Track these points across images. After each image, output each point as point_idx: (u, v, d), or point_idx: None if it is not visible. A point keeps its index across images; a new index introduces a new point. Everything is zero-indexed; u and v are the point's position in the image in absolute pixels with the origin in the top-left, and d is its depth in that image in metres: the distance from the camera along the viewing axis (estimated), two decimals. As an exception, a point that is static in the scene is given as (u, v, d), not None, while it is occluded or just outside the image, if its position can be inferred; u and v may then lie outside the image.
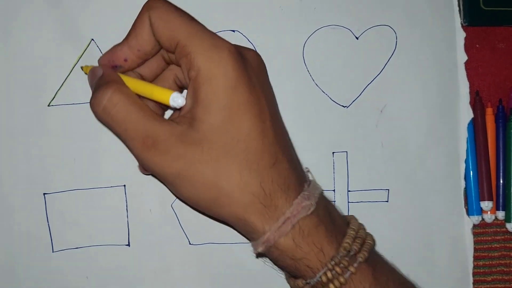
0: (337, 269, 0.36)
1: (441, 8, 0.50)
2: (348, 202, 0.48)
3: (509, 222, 0.49)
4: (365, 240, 0.39)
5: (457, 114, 0.50)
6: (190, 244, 0.47)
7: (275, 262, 0.39)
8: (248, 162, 0.36)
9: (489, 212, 0.49)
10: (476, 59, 0.51)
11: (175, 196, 0.42)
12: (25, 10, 0.47)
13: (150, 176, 0.47)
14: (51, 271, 0.46)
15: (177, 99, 0.37)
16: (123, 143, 0.39)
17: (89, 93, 0.47)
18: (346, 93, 0.49)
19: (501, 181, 0.50)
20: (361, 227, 0.40)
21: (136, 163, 0.47)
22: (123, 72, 0.41)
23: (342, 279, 0.36)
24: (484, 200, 0.49)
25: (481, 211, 0.49)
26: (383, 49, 0.49)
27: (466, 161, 0.49)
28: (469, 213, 0.49)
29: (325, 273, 0.36)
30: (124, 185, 0.47)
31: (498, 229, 0.50)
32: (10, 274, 0.45)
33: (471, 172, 0.49)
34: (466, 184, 0.49)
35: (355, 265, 0.37)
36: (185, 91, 0.38)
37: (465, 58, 0.50)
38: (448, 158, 0.49)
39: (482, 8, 0.51)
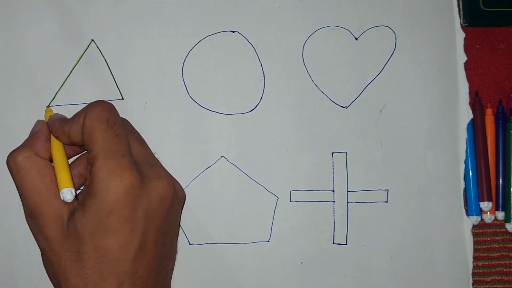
0: None
1: (441, 8, 0.50)
2: (348, 202, 0.48)
3: (509, 222, 0.49)
4: None
5: (456, 115, 0.50)
6: (190, 244, 0.47)
7: None
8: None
9: (488, 212, 0.49)
10: (475, 59, 0.51)
11: None
12: (25, 10, 0.47)
13: (149, 176, 0.47)
14: (51, 271, 0.46)
15: (65, 195, 0.39)
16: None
17: (89, 93, 0.47)
18: (345, 93, 0.49)
19: (501, 182, 0.50)
20: None
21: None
22: None
23: None
24: (483, 200, 0.49)
25: (480, 212, 0.49)
26: (382, 50, 0.49)
27: (466, 162, 0.49)
28: (468, 213, 0.49)
29: None
30: (124, 185, 0.47)
31: (497, 230, 0.50)
32: (10, 274, 0.46)
33: (471, 172, 0.49)
34: (465, 184, 0.49)
35: None
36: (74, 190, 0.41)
37: (465, 58, 0.50)
38: (447, 159, 0.49)
39: (481, 8, 0.51)
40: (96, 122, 0.39)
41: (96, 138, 0.39)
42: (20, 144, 0.46)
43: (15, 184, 0.40)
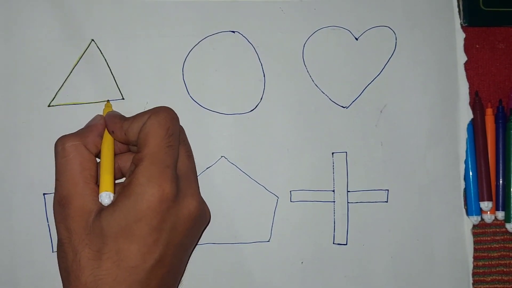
0: None
1: (441, 8, 0.50)
2: (348, 202, 0.48)
3: (509, 222, 0.49)
4: None
5: (457, 115, 0.50)
6: (190, 244, 0.47)
7: None
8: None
9: (488, 212, 0.49)
10: (476, 59, 0.51)
11: None
12: (26, 10, 0.47)
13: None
14: (51, 271, 0.46)
15: (104, 198, 0.39)
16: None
17: (89, 93, 0.47)
18: (345, 93, 0.49)
19: (501, 182, 0.50)
20: None
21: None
22: None
23: None
24: (483, 200, 0.49)
25: (480, 211, 0.49)
26: (382, 50, 0.49)
27: (466, 162, 0.49)
28: (468, 213, 0.49)
29: None
30: (124, 185, 0.47)
31: (497, 229, 0.50)
32: (10, 274, 0.46)
33: (471, 172, 0.49)
34: (465, 184, 0.49)
35: None
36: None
37: (465, 58, 0.50)
38: (447, 159, 0.49)
39: (482, 8, 0.51)
40: (156, 126, 0.40)
41: (150, 141, 0.39)
42: (19, 144, 0.46)
43: (56, 167, 0.40)
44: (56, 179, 0.40)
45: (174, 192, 0.38)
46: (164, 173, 0.38)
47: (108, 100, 0.46)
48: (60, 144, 0.40)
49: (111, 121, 0.43)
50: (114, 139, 0.43)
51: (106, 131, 0.43)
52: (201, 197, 0.42)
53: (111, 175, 0.41)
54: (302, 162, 0.48)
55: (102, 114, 0.45)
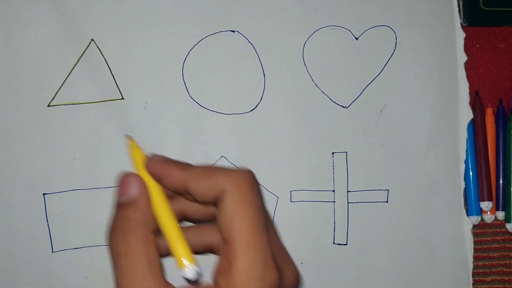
0: None
1: (441, 8, 0.50)
2: (348, 202, 0.48)
3: (509, 222, 0.49)
4: None
5: (457, 115, 0.50)
6: (190, 244, 0.47)
7: None
8: None
9: (488, 212, 0.49)
10: (476, 59, 0.51)
11: None
12: (26, 10, 0.47)
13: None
14: (51, 271, 0.46)
15: (189, 273, 0.31)
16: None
17: (88, 93, 0.47)
18: (345, 93, 0.49)
19: (501, 181, 0.50)
20: None
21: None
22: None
23: None
24: (483, 200, 0.49)
25: (480, 212, 0.49)
26: (383, 50, 0.49)
27: (466, 162, 0.49)
28: (468, 213, 0.49)
29: None
30: (124, 185, 0.47)
31: (497, 230, 0.50)
32: (10, 274, 0.46)
33: (471, 172, 0.49)
34: (465, 184, 0.49)
35: None
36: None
37: (465, 58, 0.50)
38: (448, 159, 0.49)
39: (482, 8, 0.51)
40: (241, 204, 0.31)
41: (238, 229, 0.31)
42: (19, 144, 0.46)
43: (116, 267, 0.31)
44: (119, 284, 0.31)
45: (277, 276, 0.31)
46: (267, 265, 0.31)
47: (130, 139, 0.35)
48: (122, 242, 0.31)
49: (168, 173, 0.32)
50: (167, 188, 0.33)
51: (152, 184, 0.33)
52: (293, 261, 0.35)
53: (185, 242, 0.32)
54: (302, 162, 0.48)
55: (128, 150, 0.35)
